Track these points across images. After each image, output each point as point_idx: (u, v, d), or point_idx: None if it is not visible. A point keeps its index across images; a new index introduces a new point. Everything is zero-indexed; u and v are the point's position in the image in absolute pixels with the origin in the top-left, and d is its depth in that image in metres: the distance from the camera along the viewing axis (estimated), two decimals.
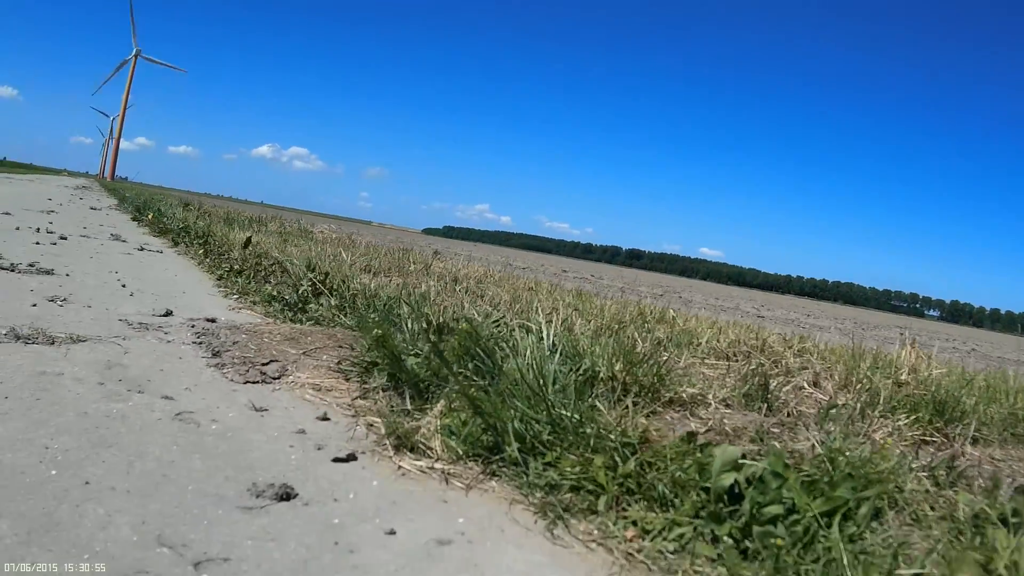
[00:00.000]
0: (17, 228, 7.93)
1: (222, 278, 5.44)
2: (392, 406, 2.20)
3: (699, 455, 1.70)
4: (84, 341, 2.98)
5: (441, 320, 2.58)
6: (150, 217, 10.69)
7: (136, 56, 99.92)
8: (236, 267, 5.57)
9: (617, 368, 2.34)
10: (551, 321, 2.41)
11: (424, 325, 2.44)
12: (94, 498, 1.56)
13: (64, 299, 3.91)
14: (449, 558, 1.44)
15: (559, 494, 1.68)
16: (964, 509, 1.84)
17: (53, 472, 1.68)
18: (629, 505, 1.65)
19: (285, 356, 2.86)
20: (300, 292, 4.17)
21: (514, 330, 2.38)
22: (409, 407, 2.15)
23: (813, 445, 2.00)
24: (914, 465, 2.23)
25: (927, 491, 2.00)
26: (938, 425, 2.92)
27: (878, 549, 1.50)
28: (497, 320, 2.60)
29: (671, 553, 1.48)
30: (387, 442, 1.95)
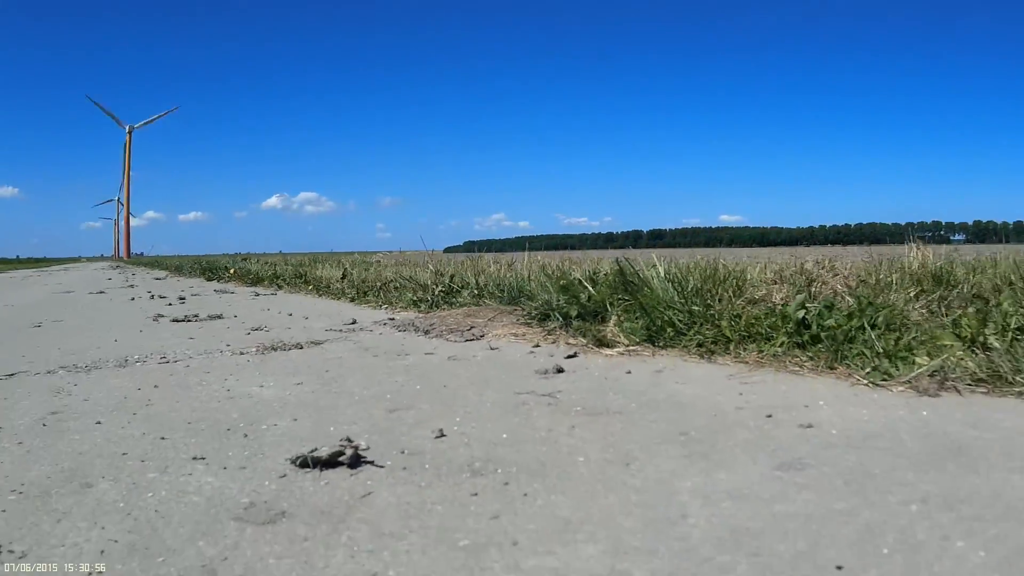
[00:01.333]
0: (132, 299, 8.74)
1: (354, 299, 6.72)
2: (575, 330, 3.46)
3: (780, 310, 2.95)
4: (321, 343, 3.96)
5: (587, 274, 3.86)
6: (232, 272, 12.07)
7: (130, 133, 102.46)
8: (361, 289, 6.86)
9: (709, 285, 3.58)
10: (658, 264, 3.66)
11: (580, 278, 3.70)
12: (458, 392, 2.56)
13: (261, 328, 4.79)
14: (667, 376, 2.70)
15: (706, 347, 2.93)
16: (947, 319, 3.07)
17: (418, 387, 2.65)
18: (747, 345, 2.90)
19: (476, 324, 4.12)
20: (437, 292, 5.45)
21: (636, 272, 3.63)
22: (588, 327, 3.41)
23: (848, 301, 3.23)
24: (916, 306, 3.47)
25: (926, 317, 3.23)
26: (940, 293, 4.14)
27: (893, 337, 2.74)
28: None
29: (780, 355, 2.73)
30: (590, 345, 3.22)
